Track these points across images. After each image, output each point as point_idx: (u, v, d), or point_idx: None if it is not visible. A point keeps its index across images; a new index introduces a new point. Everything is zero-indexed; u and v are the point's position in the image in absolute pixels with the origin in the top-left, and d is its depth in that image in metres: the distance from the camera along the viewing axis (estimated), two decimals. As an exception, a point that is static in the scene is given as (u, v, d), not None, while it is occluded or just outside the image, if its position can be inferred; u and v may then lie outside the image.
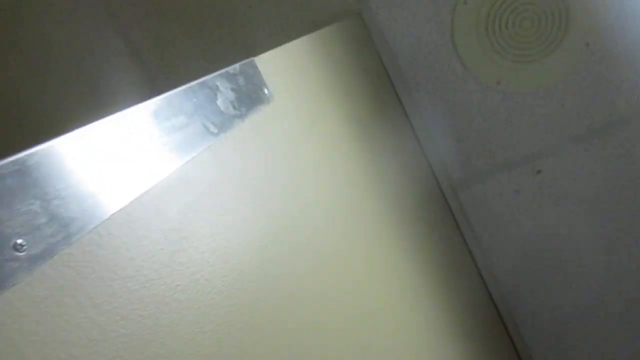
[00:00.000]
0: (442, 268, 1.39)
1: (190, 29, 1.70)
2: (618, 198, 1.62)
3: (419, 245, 1.25)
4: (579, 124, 1.57)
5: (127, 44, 1.73)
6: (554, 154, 1.61)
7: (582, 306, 1.74)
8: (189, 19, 1.69)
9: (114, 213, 0.41)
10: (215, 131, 0.57)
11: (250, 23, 1.66)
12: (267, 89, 0.73)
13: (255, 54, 0.81)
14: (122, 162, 0.43)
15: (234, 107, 0.65)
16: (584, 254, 1.70)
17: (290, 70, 0.90)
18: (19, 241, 0.34)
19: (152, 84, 1.73)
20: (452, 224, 1.73)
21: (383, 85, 1.57)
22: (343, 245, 0.81)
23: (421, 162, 1.66)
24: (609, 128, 1.56)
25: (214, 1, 1.67)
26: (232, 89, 0.65)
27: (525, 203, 1.68)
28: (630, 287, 1.69)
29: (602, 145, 1.58)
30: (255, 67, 0.73)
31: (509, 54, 1.53)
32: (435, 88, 1.61)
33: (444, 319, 1.22)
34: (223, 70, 0.66)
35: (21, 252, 0.34)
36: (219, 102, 0.62)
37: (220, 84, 0.65)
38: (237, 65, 0.68)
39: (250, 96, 0.68)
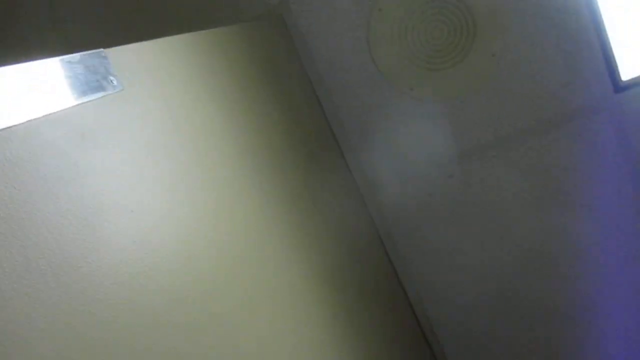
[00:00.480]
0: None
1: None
2: (522, 202, 1.68)
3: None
4: (488, 131, 1.63)
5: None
6: (464, 159, 1.67)
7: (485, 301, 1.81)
8: None
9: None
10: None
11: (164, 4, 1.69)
12: (115, 79, 0.77)
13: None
14: None
15: (69, 92, 0.68)
16: (487, 261, 1.76)
17: (180, 62, 0.94)
18: None
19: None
20: (371, 226, 1.78)
21: (302, 85, 1.62)
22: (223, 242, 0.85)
23: (340, 162, 1.71)
24: (514, 136, 1.62)
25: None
26: (66, 76, 0.69)
27: (438, 206, 1.74)
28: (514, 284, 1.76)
29: (508, 152, 1.64)
30: (103, 57, 0.77)
31: (422, 62, 1.59)
32: (352, 93, 1.66)
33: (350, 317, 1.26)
34: (58, 58, 0.70)
35: None
36: (48, 85, 0.66)
37: (57, 68, 0.68)
38: (76, 55, 0.72)
39: (89, 84, 0.72)
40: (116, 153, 0.72)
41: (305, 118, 1.57)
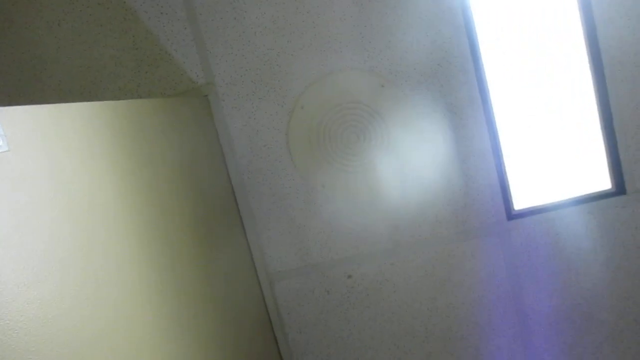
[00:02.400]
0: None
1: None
2: (411, 312, 1.72)
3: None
4: (390, 238, 1.69)
5: (-31, 75, 1.69)
6: (364, 262, 1.71)
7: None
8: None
9: None
10: None
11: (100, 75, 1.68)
12: (2, 139, 0.74)
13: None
14: None
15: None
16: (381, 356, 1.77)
17: (79, 129, 0.92)
18: None
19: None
20: (265, 315, 1.74)
21: (216, 167, 1.63)
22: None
23: (243, 250, 1.69)
24: (412, 247, 1.68)
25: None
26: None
27: (334, 304, 1.74)
28: (419, 403, 1.76)
29: (405, 262, 1.69)
30: (-7, 116, 0.74)
31: (335, 162, 1.65)
32: (265, 181, 1.68)
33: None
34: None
35: None
36: None
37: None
38: (-38, 110, 0.70)
39: (-31, 142, 0.69)
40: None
41: (213, 197, 1.56)
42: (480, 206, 1.64)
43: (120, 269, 0.95)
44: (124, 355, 0.90)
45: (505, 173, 1.63)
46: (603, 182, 1.64)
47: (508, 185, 1.64)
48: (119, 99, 1.65)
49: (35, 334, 0.72)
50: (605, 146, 1.62)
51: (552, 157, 1.68)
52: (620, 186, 1.61)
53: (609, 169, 1.62)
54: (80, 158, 0.91)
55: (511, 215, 1.65)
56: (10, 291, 0.70)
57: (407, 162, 1.63)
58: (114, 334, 0.89)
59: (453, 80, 1.58)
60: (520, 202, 1.67)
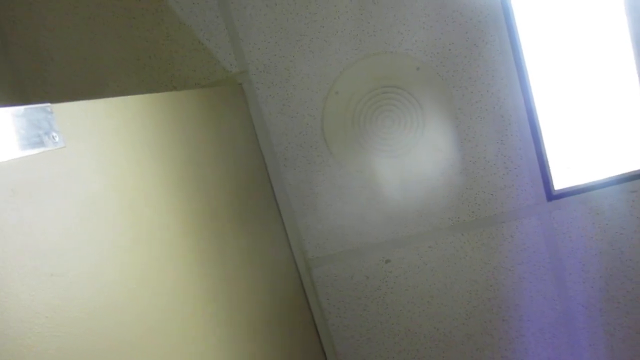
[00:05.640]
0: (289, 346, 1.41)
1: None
2: (451, 294, 1.72)
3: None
4: (426, 222, 1.68)
5: None
6: (402, 246, 1.70)
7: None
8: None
9: None
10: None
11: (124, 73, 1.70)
12: (58, 135, 0.76)
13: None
14: None
15: (6, 145, 0.66)
16: (421, 347, 1.77)
17: (128, 123, 0.94)
18: None
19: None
20: (304, 301, 1.76)
21: (253, 156, 1.64)
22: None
23: (281, 237, 1.71)
24: (452, 230, 1.67)
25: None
26: (7, 129, 0.67)
27: (373, 288, 1.75)
28: (460, 385, 1.76)
29: (443, 245, 1.69)
30: (49, 112, 0.76)
31: (371, 147, 1.64)
32: (301, 167, 1.68)
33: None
34: (3, 108, 0.68)
35: None
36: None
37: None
38: (21, 108, 0.71)
39: (30, 139, 0.71)
40: (46, 211, 0.70)
41: (251, 185, 1.57)
42: (520, 187, 1.62)
43: (174, 255, 0.97)
44: (180, 338, 0.92)
45: (545, 153, 1.60)
46: (647, 159, 1.60)
47: (548, 165, 1.62)
48: (154, 91, 1.67)
49: (102, 320, 0.74)
50: (649, 123, 1.57)
51: (593, 134, 1.65)
52: (665, 163, 1.57)
53: (653, 146, 1.58)
54: (130, 151, 0.93)
55: (551, 195, 1.63)
56: (77, 280, 0.71)
57: (443, 145, 1.62)
58: (172, 318, 0.91)
59: (490, 61, 1.55)
60: (560, 182, 1.65)
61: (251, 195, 1.55)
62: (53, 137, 0.75)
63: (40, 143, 0.73)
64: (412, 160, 1.64)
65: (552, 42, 1.62)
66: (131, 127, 0.96)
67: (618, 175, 1.60)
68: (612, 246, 1.62)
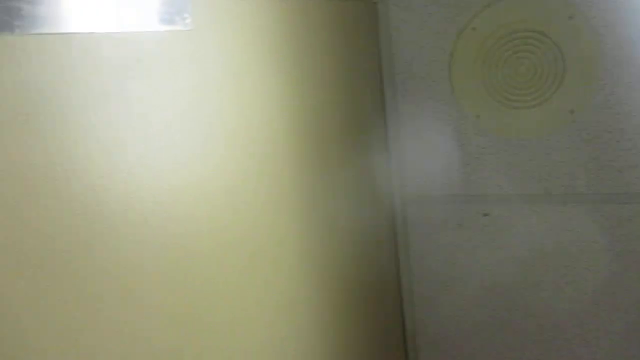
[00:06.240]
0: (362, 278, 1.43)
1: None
2: (544, 264, 1.63)
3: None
4: (539, 184, 1.58)
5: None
6: (505, 203, 1.62)
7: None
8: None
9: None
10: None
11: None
12: (189, 17, 0.78)
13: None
14: None
15: (139, 17, 0.69)
16: (499, 307, 1.72)
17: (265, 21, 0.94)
18: None
19: None
20: (392, 236, 1.76)
21: (371, 78, 1.60)
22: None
23: (384, 168, 1.69)
24: (563, 199, 1.56)
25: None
26: (142, 2, 0.70)
27: (463, 239, 1.70)
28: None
29: (552, 213, 1.58)
30: (183, -7, 0.77)
31: (497, 94, 1.54)
32: (419, 101, 1.63)
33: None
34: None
35: None
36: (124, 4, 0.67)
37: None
38: (160, -17, 0.73)
39: (161, 15, 0.73)
40: (164, 87, 0.73)
41: (364, 111, 1.55)
42: (654, 170, 1.46)
43: (275, 164, 1.00)
44: (260, 260, 0.96)
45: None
46: None
47: (695, 153, 1.43)
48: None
49: (191, 209, 0.78)
50: None
51: None
52: None
53: None
54: (252, 47, 0.94)
55: (689, 187, 1.45)
56: (180, 162, 0.75)
57: (578, 106, 1.48)
58: (255, 236, 0.95)
59: (659, 22, 1.36)
60: None
61: (362, 121, 1.53)
62: (184, 18, 0.77)
63: (171, 21, 0.75)
64: (539, 116, 1.52)
65: None
66: (258, 25, 0.97)
67: None
68: None
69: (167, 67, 0.74)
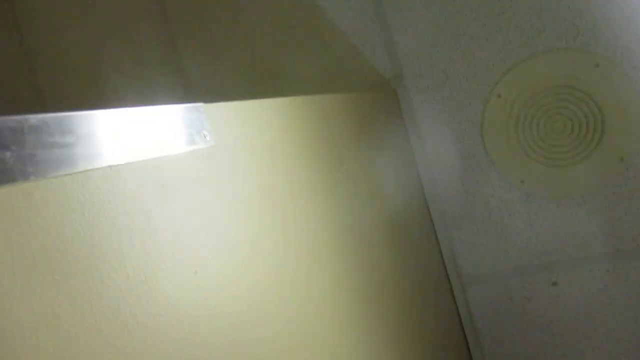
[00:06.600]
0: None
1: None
2: (634, 329, 1.46)
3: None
4: (605, 241, 1.46)
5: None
6: (573, 267, 1.50)
7: None
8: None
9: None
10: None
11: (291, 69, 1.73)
12: (208, 134, 0.76)
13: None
14: None
15: (161, 142, 0.68)
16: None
17: (283, 122, 0.93)
18: None
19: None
20: (457, 320, 1.63)
21: (405, 163, 1.56)
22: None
23: (433, 252, 1.60)
24: (636, 252, 1.43)
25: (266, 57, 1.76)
26: (163, 127, 0.69)
27: (536, 314, 1.56)
28: None
29: (626, 270, 1.45)
30: (201, 111, 0.76)
31: (537, 155, 1.47)
32: (458, 177, 1.57)
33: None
34: (163, 106, 0.70)
35: None
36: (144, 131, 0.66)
37: (156, 116, 0.69)
38: (179, 107, 0.72)
39: (181, 137, 0.72)
40: (193, 209, 0.70)
41: (401, 195, 1.50)
42: None
43: (322, 262, 0.94)
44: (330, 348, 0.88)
45: None
46: None
47: None
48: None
49: (245, 323, 0.72)
50: None
51: None
52: None
53: None
54: (279, 152, 0.92)
55: None
56: (219, 279, 0.71)
57: (627, 152, 1.39)
58: (320, 327, 0.88)
59: (691, 53, 1.31)
60: None
61: (401, 204, 1.47)
62: (204, 136, 0.76)
63: (192, 141, 0.73)
64: (587, 170, 1.44)
65: None
66: (280, 127, 0.95)
67: None
68: None
69: (195, 186, 0.71)
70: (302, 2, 1.69)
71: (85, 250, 0.55)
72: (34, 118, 0.54)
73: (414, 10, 1.54)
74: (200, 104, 0.77)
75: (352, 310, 1.02)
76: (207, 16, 1.81)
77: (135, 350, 0.57)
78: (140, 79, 1.87)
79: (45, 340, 0.48)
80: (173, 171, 0.68)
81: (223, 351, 0.69)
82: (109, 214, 0.58)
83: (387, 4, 1.57)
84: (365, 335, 1.05)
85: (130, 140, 0.63)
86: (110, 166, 0.60)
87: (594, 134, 1.41)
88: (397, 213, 1.43)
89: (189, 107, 0.75)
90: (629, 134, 1.39)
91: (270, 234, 0.84)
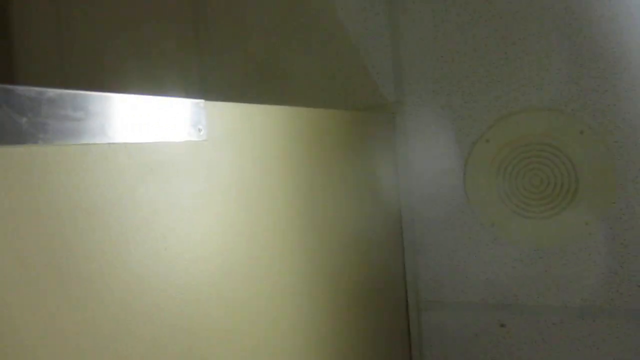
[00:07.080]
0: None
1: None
2: (567, 385, 1.55)
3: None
4: (556, 296, 1.54)
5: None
6: (522, 314, 1.59)
7: None
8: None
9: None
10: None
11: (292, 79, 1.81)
12: (204, 129, 0.85)
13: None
14: None
15: (156, 129, 0.76)
16: None
17: (279, 132, 1.02)
18: None
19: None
20: (406, 340, 1.72)
21: (388, 187, 1.65)
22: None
23: (398, 272, 1.69)
24: (582, 312, 1.52)
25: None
26: (161, 114, 0.77)
27: (480, 350, 1.65)
28: None
29: (572, 326, 1.53)
30: (201, 107, 0.85)
31: (511, 203, 1.56)
32: (434, 206, 1.65)
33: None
34: (166, 97, 0.78)
35: None
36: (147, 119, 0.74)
37: (158, 105, 0.77)
38: (178, 100, 0.81)
39: (177, 127, 0.80)
40: (173, 193, 0.78)
41: (379, 210, 1.58)
42: (676, 287, 1.42)
43: (278, 264, 1.02)
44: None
45: None
46: None
47: None
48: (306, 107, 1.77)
49: (200, 300, 0.81)
50: None
51: None
52: None
53: None
54: (261, 155, 1.00)
55: None
56: (184, 258, 0.79)
57: (593, 220, 1.48)
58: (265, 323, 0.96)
59: (669, 140, 1.39)
60: None
61: (378, 223, 1.56)
62: (199, 130, 0.84)
63: (187, 133, 0.82)
64: (554, 226, 1.52)
65: None
66: (271, 133, 1.03)
67: None
68: None
69: (181, 175, 0.79)
70: (322, 18, 1.77)
71: (70, 211, 0.63)
72: (52, 92, 0.62)
73: (427, 41, 1.63)
74: (200, 100, 0.85)
75: (304, 308, 1.11)
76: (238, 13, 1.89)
77: (101, 316, 0.65)
78: (154, 76, 1.96)
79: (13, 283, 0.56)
80: (164, 157, 0.77)
81: (181, 329, 0.77)
82: (100, 186, 0.67)
83: (404, 29, 1.66)
84: (314, 339, 1.14)
85: (132, 124, 0.72)
86: (109, 144, 0.69)
87: (567, 195, 1.50)
88: (371, 229, 1.52)
89: (190, 102, 0.83)
90: (597, 203, 1.47)
91: (242, 227, 0.93)
